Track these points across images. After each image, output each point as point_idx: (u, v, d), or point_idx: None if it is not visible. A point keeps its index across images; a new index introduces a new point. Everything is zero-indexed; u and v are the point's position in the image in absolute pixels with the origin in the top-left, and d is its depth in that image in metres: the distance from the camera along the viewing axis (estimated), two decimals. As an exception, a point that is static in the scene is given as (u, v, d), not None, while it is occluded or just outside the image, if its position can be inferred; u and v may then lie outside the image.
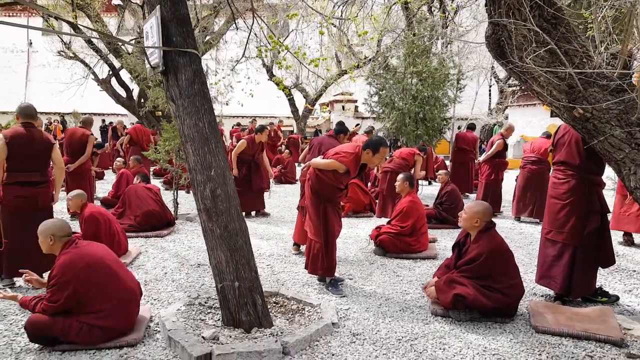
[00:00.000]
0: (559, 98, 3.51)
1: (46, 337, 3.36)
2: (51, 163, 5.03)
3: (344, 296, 4.55)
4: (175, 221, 7.64)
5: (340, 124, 6.89)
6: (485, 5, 3.80)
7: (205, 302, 4.15)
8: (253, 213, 8.65)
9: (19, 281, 4.84)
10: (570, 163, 4.35)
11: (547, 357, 3.36)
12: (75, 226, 7.12)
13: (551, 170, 4.92)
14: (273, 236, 7.10)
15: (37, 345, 3.43)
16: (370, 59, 14.42)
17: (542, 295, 4.65)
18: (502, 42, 3.68)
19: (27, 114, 4.83)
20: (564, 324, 3.74)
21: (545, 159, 7.94)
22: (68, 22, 13.46)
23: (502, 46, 3.71)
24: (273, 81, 19.06)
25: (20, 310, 4.08)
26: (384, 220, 7.29)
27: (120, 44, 14.15)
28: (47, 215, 4.78)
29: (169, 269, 5.40)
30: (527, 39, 3.44)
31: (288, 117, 24.24)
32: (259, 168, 8.50)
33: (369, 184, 10.70)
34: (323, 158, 4.72)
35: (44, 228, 3.56)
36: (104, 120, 24.05)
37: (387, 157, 9.56)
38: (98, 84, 16.20)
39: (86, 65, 16.56)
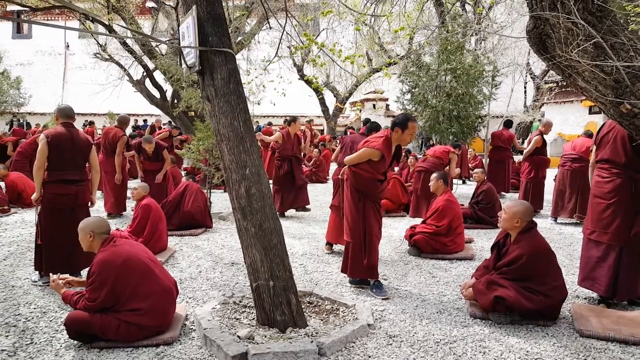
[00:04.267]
0: (605, 93, 3.38)
1: (85, 334, 3.41)
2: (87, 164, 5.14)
3: (387, 298, 4.46)
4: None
5: (371, 122, 6.81)
6: (526, -2, 3.68)
7: (240, 301, 4.15)
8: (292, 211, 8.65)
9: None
10: (615, 161, 4.19)
11: (592, 362, 3.24)
12: (113, 225, 7.26)
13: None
14: (305, 235, 7.08)
15: (76, 342, 3.49)
16: (403, 56, 14.28)
17: (584, 298, 4.49)
18: (544, 37, 3.56)
19: (67, 114, 4.95)
20: (610, 328, 3.60)
21: (586, 158, 7.69)
22: (104, 25, 13.76)
23: (544, 40, 3.59)
24: (304, 80, 19.10)
25: (60, 307, 4.16)
26: (417, 220, 7.19)
27: (154, 45, 14.38)
28: (84, 213, 4.90)
29: (204, 267, 5.44)
30: (572, 32, 3.31)
31: (318, 117, 24.24)
32: (299, 163, 8.54)
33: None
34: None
35: (83, 225, 3.63)
36: (136, 121, 24.50)
37: (421, 156, 9.44)
38: (133, 85, 16.51)
39: (121, 66, 16.89)
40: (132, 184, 7.92)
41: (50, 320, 3.92)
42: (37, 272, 4.91)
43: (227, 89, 3.49)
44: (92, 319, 3.37)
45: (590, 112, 17.71)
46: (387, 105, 24.39)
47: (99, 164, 5.25)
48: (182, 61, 3.72)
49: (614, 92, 3.33)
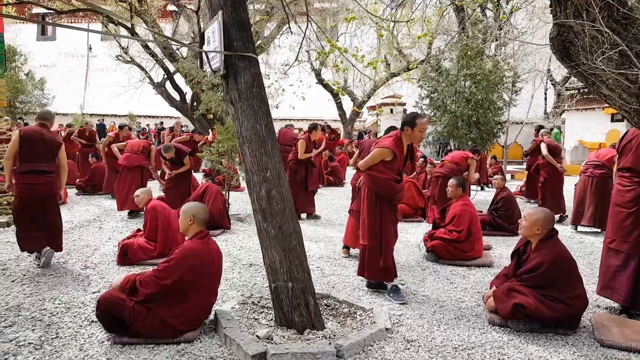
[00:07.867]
0: (630, 101, 3.35)
1: (112, 317, 3.46)
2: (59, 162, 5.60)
3: (405, 303, 4.45)
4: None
5: (391, 127, 6.80)
6: (550, 6, 3.67)
7: (258, 302, 4.20)
8: (304, 216, 8.46)
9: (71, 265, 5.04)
10: (637, 169, 4.16)
11: (613, 372, 3.21)
12: (132, 224, 7.36)
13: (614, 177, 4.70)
14: (322, 238, 7.10)
15: (99, 337, 3.56)
16: (422, 61, 14.26)
17: (606, 308, 4.44)
18: (568, 44, 3.54)
19: (43, 117, 5.57)
20: (633, 339, 3.56)
21: (609, 166, 7.60)
22: (126, 28, 13.98)
23: (567, 48, 3.57)
24: (322, 84, 19.21)
25: (83, 304, 4.24)
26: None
27: (175, 48, 14.56)
28: (54, 204, 5.48)
29: (222, 267, 5.48)
30: (597, 40, 3.29)
31: (335, 120, 24.27)
32: (313, 169, 8.54)
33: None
34: None
35: (186, 208, 3.78)
36: (162, 123, 24.78)
37: (439, 162, 9.41)
38: (153, 87, 16.72)
39: (142, 69, 17.09)
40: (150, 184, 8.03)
41: (75, 316, 4.00)
42: (32, 254, 5.49)
43: (251, 93, 3.54)
44: (124, 303, 3.43)
45: (613, 120, 17.45)
46: (405, 110, 24.32)
47: (67, 163, 5.70)
48: (208, 65, 3.78)
49: (639, 100, 3.30)
